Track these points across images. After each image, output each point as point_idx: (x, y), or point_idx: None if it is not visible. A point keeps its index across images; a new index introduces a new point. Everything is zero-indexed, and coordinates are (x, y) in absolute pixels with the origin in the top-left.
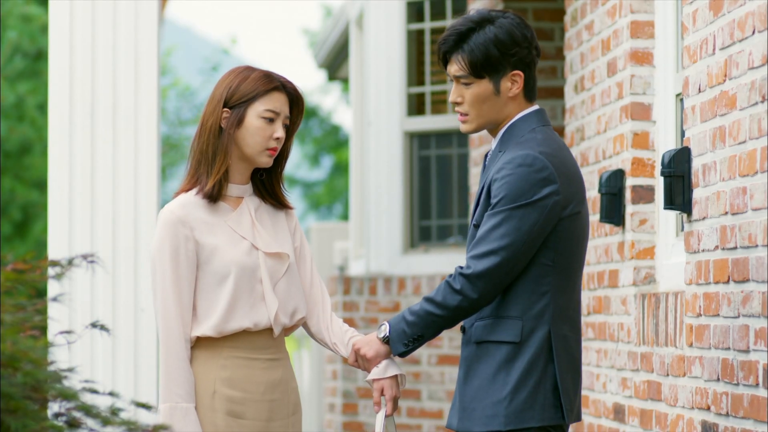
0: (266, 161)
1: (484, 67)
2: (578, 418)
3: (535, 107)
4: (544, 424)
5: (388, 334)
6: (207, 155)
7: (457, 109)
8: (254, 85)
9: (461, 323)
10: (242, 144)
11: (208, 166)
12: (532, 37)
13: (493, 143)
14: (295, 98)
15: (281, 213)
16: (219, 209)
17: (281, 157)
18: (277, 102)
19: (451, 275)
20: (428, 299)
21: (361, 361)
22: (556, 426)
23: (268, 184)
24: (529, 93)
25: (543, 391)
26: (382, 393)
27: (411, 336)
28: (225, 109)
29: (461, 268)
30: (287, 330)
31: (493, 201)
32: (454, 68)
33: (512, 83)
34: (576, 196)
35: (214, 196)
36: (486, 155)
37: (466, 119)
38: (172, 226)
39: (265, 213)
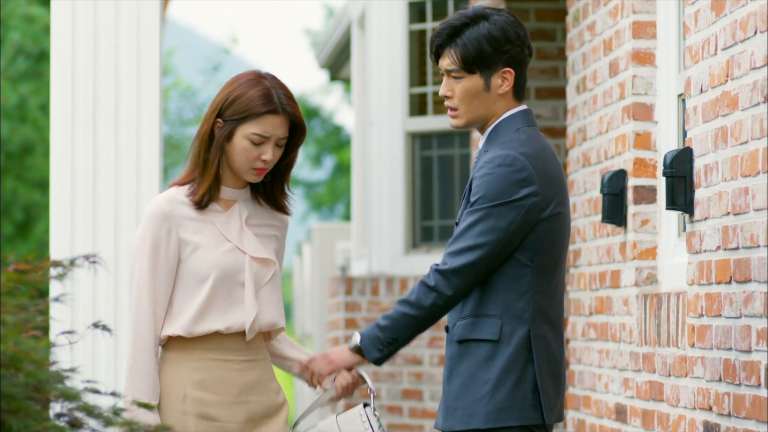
0: (253, 179)
1: (475, 62)
2: (560, 419)
3: (522, 107)
4: (524, 423)
5: (358, 342)
6: (199, 162)
7: (447, 103)
8: (248, 105)
9: (445, 323)
10: (230, 159)
11: (200, 172)
12: (525, 36)
13: (481, 142)
14: (294, 122)
15: (274, 220)
16: (209, 209)
17: (287, 167)
18: (269, 126)
19: (426, 275)
20: (403, 301)
21: (315, 375)
22: (539, 426)
23: (269, 188)
24: (519, 92)
25: (522, 391)
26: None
27: (385, 340)
28: (218, 119)
29: (437, 265)
30: (265, 335)
31: (472, 199)
32: (446, 62)
33: (503, 80)
34: (556, 198)
35: (203, 205)
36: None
37: (455, 114)
38: (157, 219)
39: (257, 218)
